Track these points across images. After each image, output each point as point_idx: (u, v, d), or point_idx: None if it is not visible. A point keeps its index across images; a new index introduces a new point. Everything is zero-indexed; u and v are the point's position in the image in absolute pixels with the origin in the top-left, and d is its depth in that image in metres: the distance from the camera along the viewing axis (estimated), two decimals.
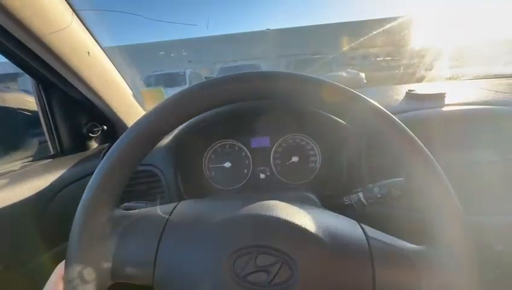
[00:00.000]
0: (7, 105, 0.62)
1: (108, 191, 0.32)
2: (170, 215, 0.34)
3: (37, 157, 0.63)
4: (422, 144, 0.31)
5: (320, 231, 0.31)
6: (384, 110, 0.32)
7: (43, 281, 0.49)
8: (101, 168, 0.32)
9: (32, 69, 0.53)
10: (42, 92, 0.59)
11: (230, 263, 0.29)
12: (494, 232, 0.59)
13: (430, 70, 0.99)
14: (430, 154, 0.30)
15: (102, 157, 0.68)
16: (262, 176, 0.77)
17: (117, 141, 0.32)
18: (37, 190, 0.51)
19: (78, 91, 0.59)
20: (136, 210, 0.36)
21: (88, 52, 0.53)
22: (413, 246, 0.31)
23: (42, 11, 0.41)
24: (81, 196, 0.31)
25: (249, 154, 0.77)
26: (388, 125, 0.31)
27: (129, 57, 0.76)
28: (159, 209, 0.36)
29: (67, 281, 0.30)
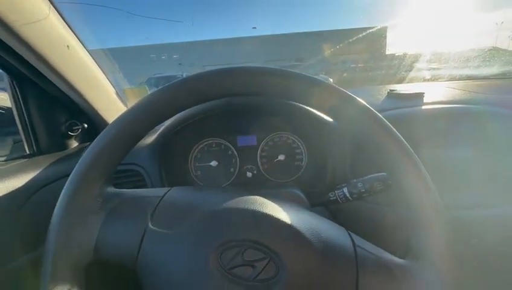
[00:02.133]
0: None
1: (103, 165, 0.31)
2: (161, 199, 0.34)
3: (12, 157, 0.59)
4: (408, 145, 0.32)
5: (310, 235, 0.31)
6: (372, 109, 0.32)
7: (18, 287, 0.46)
8: (99, 141, 0.31)
9: (6, 63, 0.50)
10: (17, 88, 0.56)
11: (217, 253, 0.29)
12: (470, 225, 0.62)
13: (410, 72, 1.04)
14: (416, 156, 0.31)
15: None
16: (249, 174, 0.77)
17: (117, 117, 0.32)
18: (10, 191, 0.48)
19: (56, 87, 0.56)
20: (129, 190, 0.36)
21: (67, 46, 0.51)
22: (397, 259, 0.31)
23: (15, 1, 0.39)
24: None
25: (235, 152, 0.77)
26: (376, 124, 0.32)
27: (122, 58, 0.74)
28: (151, 192, 0.36)
29: (46, 250, 0.29)
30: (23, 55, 0.46)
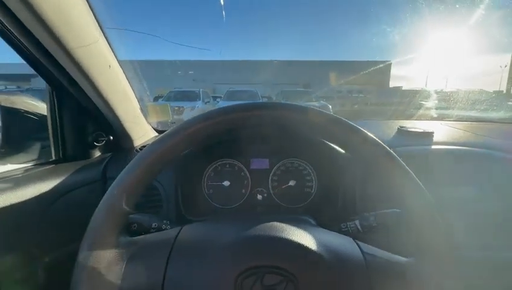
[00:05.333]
0: (15, 107, 0.63)
1: (115, 218, 0.33)
2: (175, 240, 0.35)
3: (40, 161, 0.63)
4: (415, 177, 0.35)
5: (320, 249, 0.33)
6: (384, 145, 0.36)
7: (40, 284, 0.48)
8: (109, 195, 0.33)
9: (50, 75, 0.55)
10: (55, 98, 0.61)
11: (238, 284, 0.30)
12: (475, 267, 0.62)
13: (419, 109, 1.09)
14: (422, 185, 0.34)
15: (104, 166, 0.68)
16: (259, 197, 0.78)
17: (123, 172, 0.34)
18: (38, 195, 0.51)
19: (90, 101, 0.61)
20: (141, 236, 0.37)
21: (109, 66, 0.56)
22: (403, 258, 0.34)
23: (75, 27, 0.45)
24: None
25: (248, 174, 0.79)
26: (388, 160, 0.35)
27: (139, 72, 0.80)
28: (164, 235, 0.37)
29: None
30: (71, 73, 0.51)
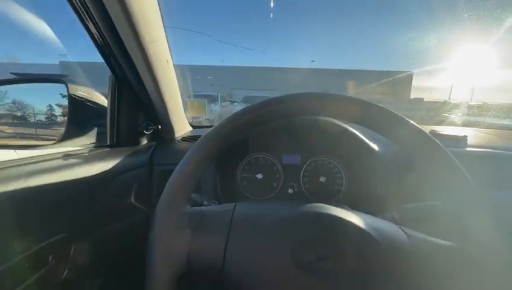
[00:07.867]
0: (79, 96, 0.70)
1: (182, 191, 0.37)
2: (234, 212, 0.39)
3: (97, 144, 0.70)
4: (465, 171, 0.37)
5: (369, 229, 0.36)
6: (434, 138, 0.38)
7: (94, 252, 0.54)
8: (179, 170, 0.37)
9: (117, 67, 0.62)
10: (116, 89, 0.68)
11: (294, 251, 0.34)
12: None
13: (450, 116, 1.08)
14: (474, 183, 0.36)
15: (151, 153, 0.74)
16: (290, 191, 0.81)
17: (191, 150, 0.38)
18: (101, 171, 0.57)
19: (146, 92, 0.67)
20: (203, 207, 0.41)
21: (167, 61, 0.62)
22: (447, 242, 0.36)
23: (150, 24, 0.51)
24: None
25: (280, 169, 0.82)
26: (437, 150, 0.37)
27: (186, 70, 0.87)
28: (222, 208, 0.41)
29: (150, 264, 0.34)
30: (137, 65, 0.58)
